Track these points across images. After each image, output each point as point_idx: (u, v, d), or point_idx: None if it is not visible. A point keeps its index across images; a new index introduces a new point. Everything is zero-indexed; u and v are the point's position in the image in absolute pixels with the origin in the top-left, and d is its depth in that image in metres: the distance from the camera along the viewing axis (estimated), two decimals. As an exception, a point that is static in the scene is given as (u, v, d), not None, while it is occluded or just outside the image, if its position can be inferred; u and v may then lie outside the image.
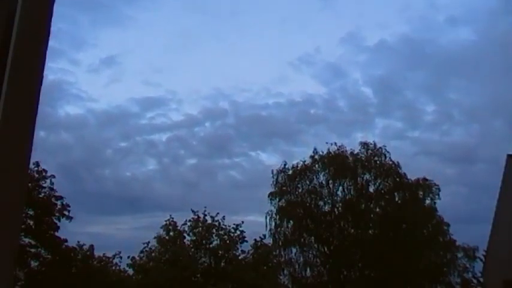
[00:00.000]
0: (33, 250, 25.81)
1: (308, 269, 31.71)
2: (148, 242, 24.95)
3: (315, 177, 32.85)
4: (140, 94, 62.79)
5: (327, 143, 32.67)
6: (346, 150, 32.69)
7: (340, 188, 32.38)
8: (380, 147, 32.38)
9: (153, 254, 24.93)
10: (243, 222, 25.71)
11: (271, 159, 57.14)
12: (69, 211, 26.42)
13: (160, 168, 50.01)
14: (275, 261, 28.19)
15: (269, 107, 52.39)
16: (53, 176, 26.38)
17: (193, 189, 48.99)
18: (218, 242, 25.21)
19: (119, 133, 50.38)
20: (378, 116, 51.62)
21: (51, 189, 26.34)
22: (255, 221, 34.41)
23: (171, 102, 57.60)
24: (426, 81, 48.36)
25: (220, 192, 46.06)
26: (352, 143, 44.38)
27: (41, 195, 25.92)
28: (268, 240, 29.30)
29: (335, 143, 32.58)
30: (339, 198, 32.30)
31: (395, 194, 31.92)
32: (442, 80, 49.07)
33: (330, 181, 32.50)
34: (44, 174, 26.07)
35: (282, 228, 31.68)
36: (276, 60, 57.57)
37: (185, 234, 25.38)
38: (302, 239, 31.80)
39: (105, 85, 55.50)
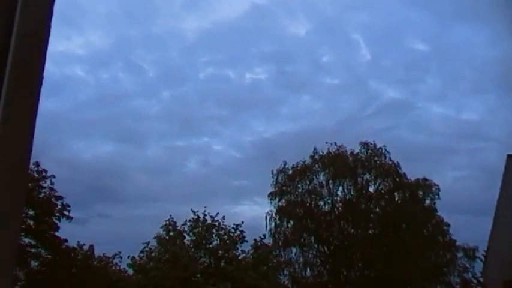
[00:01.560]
0: (33, 250, 25.82)
1: (308, 269, 31.76)
2: (149, 242, 24.96)
3: (314, 177, 32.90)
4: (79, 48, 52.29)
5: (326, 142, 32.81)
6: (346, 150, 32.79)
7: (340, 188, 32.44)
8: (380, 147, 32.46)
9: (153, 254, 24.90)
10: (243, 222, 25.70)
11: (245, 138, 48.10)
12: (69, 211, 26.47)
13: (124, 151, 45.10)
14: (275, 261, 28.14)
15: (235, 63, 43.14)
16: (53, 176, 26.41)
17: (161, 176, 45.26)
18: (218, 242, 25.18)
19: (66, 105, 43.32)
20: (371, 78, 44.07)
21: (51, 189, 26.37)
22: (241, 214, 32.01)
23: (116, 59, 46.88)
24: (428, 29, 40.65)
25: (194, 178, 42.59)
26: (342, 118, 41.10)
27: (41, 195, 25.92)
28: (268, 240, 29.34)
29: (335, 143, 32.72)
30: (339, 198, 32.34)
31: (395, 194, 31.95)
32: (445, 28, 41.04)
33: (330, 181, 32.52)
34: (44, 174, 26.09)
35: (282, 228, 31.71)
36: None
37: (185, 234, 25.37)
38: (302, 239, 31.81)
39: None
